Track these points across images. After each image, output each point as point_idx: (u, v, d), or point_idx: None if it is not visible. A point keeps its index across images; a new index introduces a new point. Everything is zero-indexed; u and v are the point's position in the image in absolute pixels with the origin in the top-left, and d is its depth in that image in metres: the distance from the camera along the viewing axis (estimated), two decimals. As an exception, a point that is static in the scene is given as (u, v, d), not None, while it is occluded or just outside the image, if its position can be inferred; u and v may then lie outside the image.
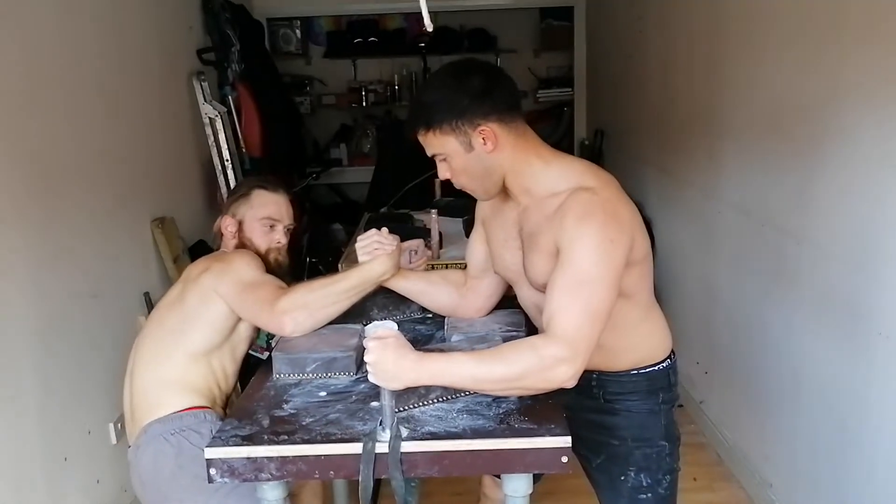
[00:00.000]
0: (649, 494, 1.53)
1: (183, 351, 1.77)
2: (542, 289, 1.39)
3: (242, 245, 1.91)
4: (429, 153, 1.45)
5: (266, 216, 1.92)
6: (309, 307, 1.67)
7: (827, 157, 1.99)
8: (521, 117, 1.43)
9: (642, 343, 1.54)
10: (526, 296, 1.56)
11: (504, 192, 1.49)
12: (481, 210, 1.64)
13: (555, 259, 1.35)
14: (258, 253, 1.89)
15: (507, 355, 1.32)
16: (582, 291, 1.30)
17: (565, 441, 1.28)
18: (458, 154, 1.40)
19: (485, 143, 1.39)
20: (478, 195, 1.52)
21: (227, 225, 1.93)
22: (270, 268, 1.87)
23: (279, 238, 1.93)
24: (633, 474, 1.53)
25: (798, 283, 2.16)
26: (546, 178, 1.42)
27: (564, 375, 1.28)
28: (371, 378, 1.31)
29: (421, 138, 1.43)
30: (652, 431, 1.54)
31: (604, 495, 1.60)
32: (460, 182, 1.46)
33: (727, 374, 2.76)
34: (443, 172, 1.46)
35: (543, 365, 1.28)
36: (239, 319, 1.79)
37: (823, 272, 2.03)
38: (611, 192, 1.39)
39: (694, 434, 2.90)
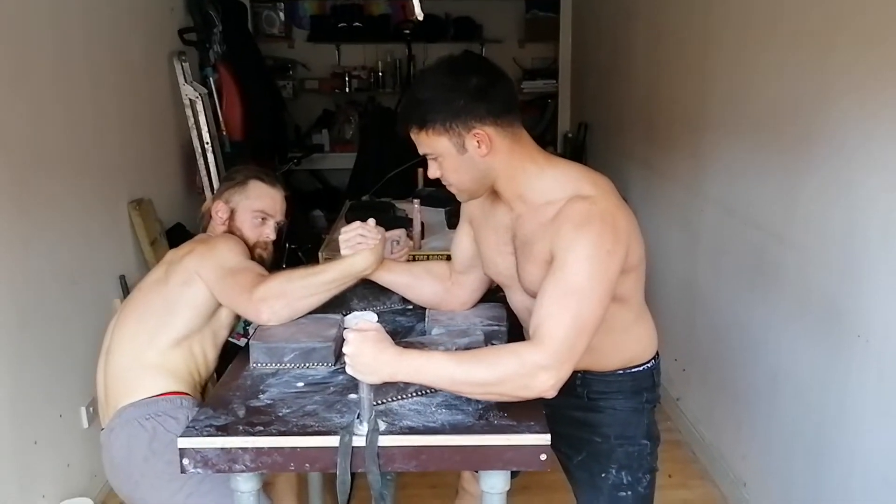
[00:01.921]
0: (629, 493, 1.53)
1: (165, 335, 1.74)
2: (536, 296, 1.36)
3: (230, 233, 1.88)
4: (420, 152, 1.41)
5: (260, 209, 1.90)
6: (287, 297, 1.65)
7: (811, 158, 1.99)
8: (519, 120, 1.39)
9: (632, 345, 1.53)
10: (518, 301, 1.54)
11: (494, 194, 1.46)
12: (468, 209, 1.60)
13: (549, 267, 1.32)
14: (245, 244, 1.86)
15: (489, 359, 1.30)
16: (572, 301, 1.27)
17: (544, 439, 1.27)
18: (450, 155, 1.36)
19: (479, 146, 1.34)
20: (462, 197, 1.48)
21: (219, 210, 1.90)
22: (252, 260, 1.84)
23: (269, 233, 1.92)
24: (614, 472, 1.52)
25: (779, 282, 2.17)
26: (541, 184, 1.39)
27: (545, 385, 1.26)
28: (348, 370, 1.30)
29: (413, 136, 1.39)
30: (635, 430, 1.54)
31: (583, 493, 1.59)
32: (449, 182, 1.43)
33: (705, 371, 2.77)
34: (433, 171, 1.42)
35: (524, 371, 1.26)
36: (220, 304, 1.77)
37: (804, 273, 2.04)
38: (609, 201, 1.35)
39: (670, 431, 2.91)
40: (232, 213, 1.89)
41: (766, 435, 2.29)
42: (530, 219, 1.40)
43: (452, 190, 1.46)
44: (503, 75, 1.38)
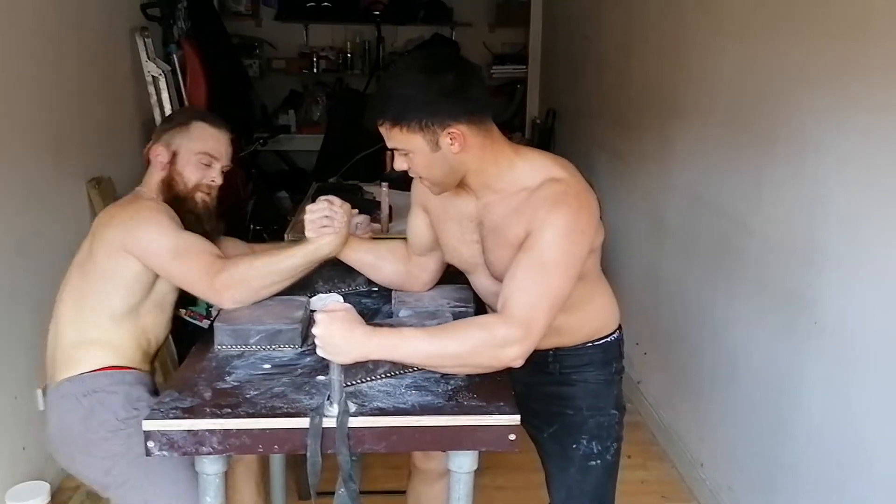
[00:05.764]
0: (598, 461, 1.58)
1: (105, 314, 1.68)
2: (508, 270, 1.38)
3: (170, 178, 1.76)
4: (389, 145, 1.40)
5: (204, 151, 1.77)
6: (249, 284, 1.62)
7: (776, 149, 2.03)
8: (490, 116, 1.40)
9: (594, 317, 1.58)
10: (483, 284, 1.55)
11: (455, 186, 1.46)
12: (421, 197, 1.60)
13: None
14: (183, 191, 1.75)
15: (459, 332, 1.33)
16: (544, 275, 1.31)
17: (513, 419, 1.29)
18: (422, 152, 1.37)
19: (452, 144, 1.35)
20: (434, 191, 1.49)
21: (158, 154, 1.77)
22: (195, 210, 1.75)
23: (214, 176, 1.80)
24: (584, 442, 1.57)
25: (741, 270, 2.22)
26: (513, 175, 1.42)
27: (513, 354, 1.30)
28: (319, 352, 1.29)
29: (384, 131, 1.38)
30: (605, 400, 1.59)
31: (553, 464, 1.63)
32: (419, 176, 1.44)
33: (666, 356, 2.82)
34: (400, 164, 1.42)
35: (494, 342, 1.29)
36: (158, 275, 1.69)
37: (766, 261, 2.09)
38: (580, 183, 1.40)
39: (630, 413, 2.90)
40: (174, 155, 1.76)
41: (722, 418, 2.35)
42: (501, 205, 1.42)
43: (424, 184, 1.46)
44: (477, 72, 1.40)
